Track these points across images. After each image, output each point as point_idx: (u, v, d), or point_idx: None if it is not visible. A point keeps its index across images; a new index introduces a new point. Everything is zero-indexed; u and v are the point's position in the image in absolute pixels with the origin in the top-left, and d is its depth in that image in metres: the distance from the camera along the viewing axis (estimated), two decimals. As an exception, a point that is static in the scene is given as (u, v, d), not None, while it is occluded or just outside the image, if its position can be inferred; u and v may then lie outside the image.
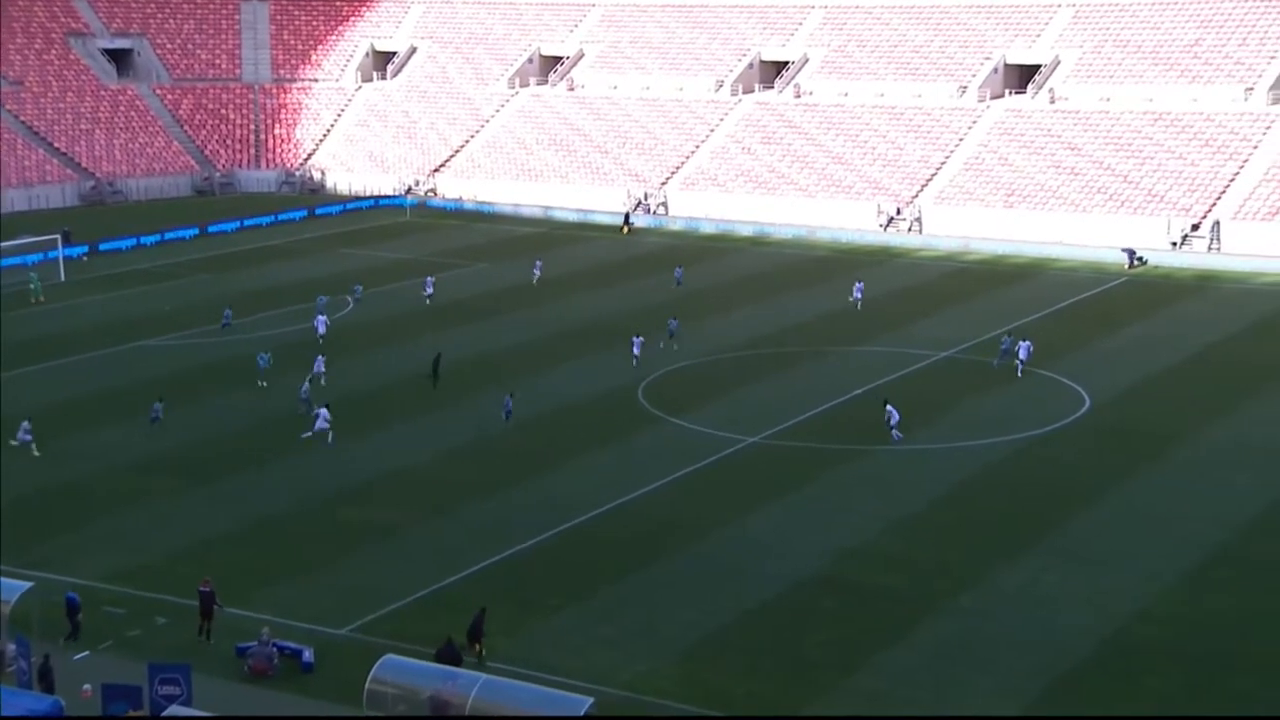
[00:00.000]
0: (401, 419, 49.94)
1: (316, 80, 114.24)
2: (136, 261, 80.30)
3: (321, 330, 60.10)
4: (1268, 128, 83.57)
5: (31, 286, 70.35)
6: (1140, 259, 76.86)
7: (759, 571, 36.99)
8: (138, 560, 38.08)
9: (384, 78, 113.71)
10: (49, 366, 57.82)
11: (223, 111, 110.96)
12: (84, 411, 51.04)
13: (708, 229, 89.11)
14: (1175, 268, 76.42)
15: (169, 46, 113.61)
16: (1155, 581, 36.04)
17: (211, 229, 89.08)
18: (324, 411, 47.31)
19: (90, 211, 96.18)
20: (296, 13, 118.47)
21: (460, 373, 55.14)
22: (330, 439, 46.90)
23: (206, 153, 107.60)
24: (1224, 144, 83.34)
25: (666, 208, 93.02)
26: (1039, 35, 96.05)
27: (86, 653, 32.71)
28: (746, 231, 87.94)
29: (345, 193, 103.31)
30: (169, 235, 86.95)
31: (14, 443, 46.12)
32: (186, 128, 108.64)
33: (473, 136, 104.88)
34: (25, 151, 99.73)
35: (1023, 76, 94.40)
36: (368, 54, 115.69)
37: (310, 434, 47.21)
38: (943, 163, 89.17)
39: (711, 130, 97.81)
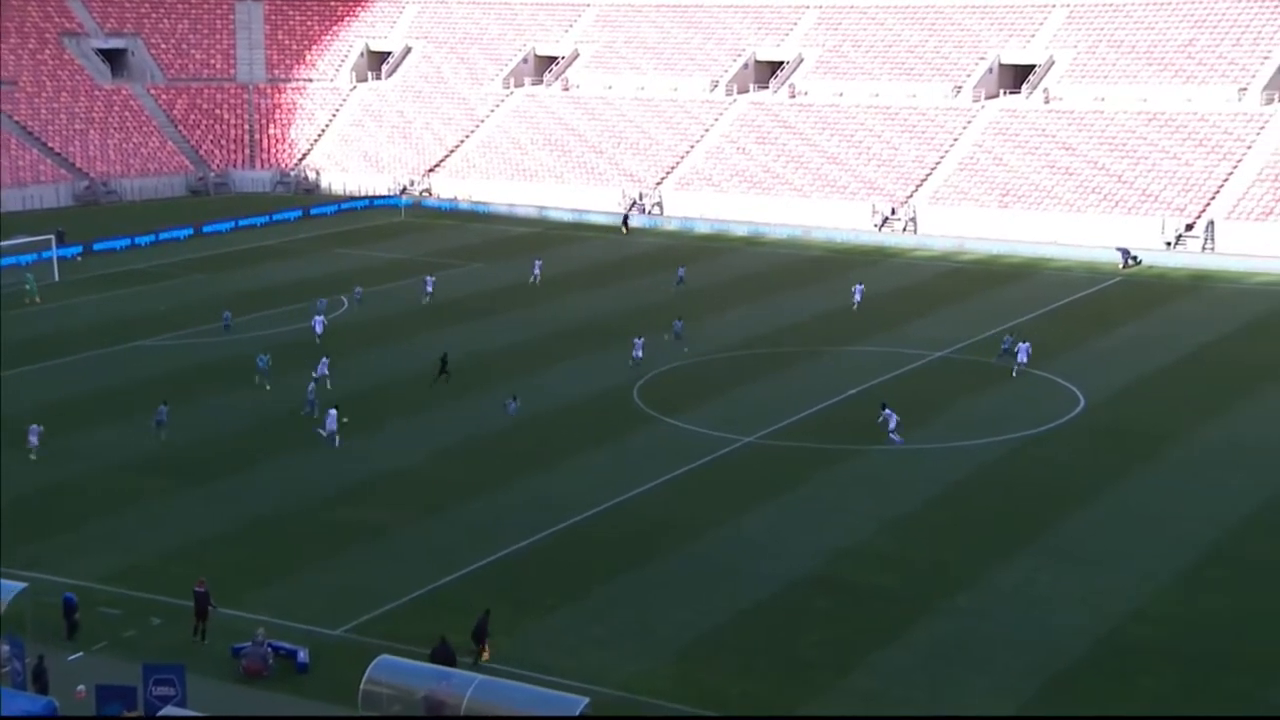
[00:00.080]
0: (397, 419, 49.89)
1: (311, 80, 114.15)
2: (131, 262, 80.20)
3: (319, 331, 59.98)
4: (1261, 128, 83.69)
5: (27, 287, 70.24)
6: (1135, 258, 76.94)
7: (754, 571, 36.99)
8: (132, 561, 38.03)
9: (379, 78, 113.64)
10: (44, 367, 57.74)
11: (217, 111, 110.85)
12: (79, 412, 50.96)
13: (703, 229, 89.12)
14: (1169, 268, 76.47)
15: (163, 46, 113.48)
16: (1150, 581, 36.07)
17: (206, 229, 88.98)
18: (333, 413, 47.34)
19: (84, 212, 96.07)
20: (291, 12, 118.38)
21: (457, 373, 54.99)
22: (336, 441, 46.84)
23: (201, 153, 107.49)
24: (1218, 144, 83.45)
25: (661, 208, 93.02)
26: (1033, 35, 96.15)
27: (81, 654, 32.66)
28: (741, 231, 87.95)
29: (340, 193, 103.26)
30: (163, 235, 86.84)
31: (32, 457, 45.71)
32: (181, 128, 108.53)
33: (468, 136, 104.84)
34: (19, 151, 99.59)
35: (1017, 76, 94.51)
36: (362, 54, 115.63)
37: (324, 432, 47.19)
38: (937, 163, 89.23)
39: (706, 130, 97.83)
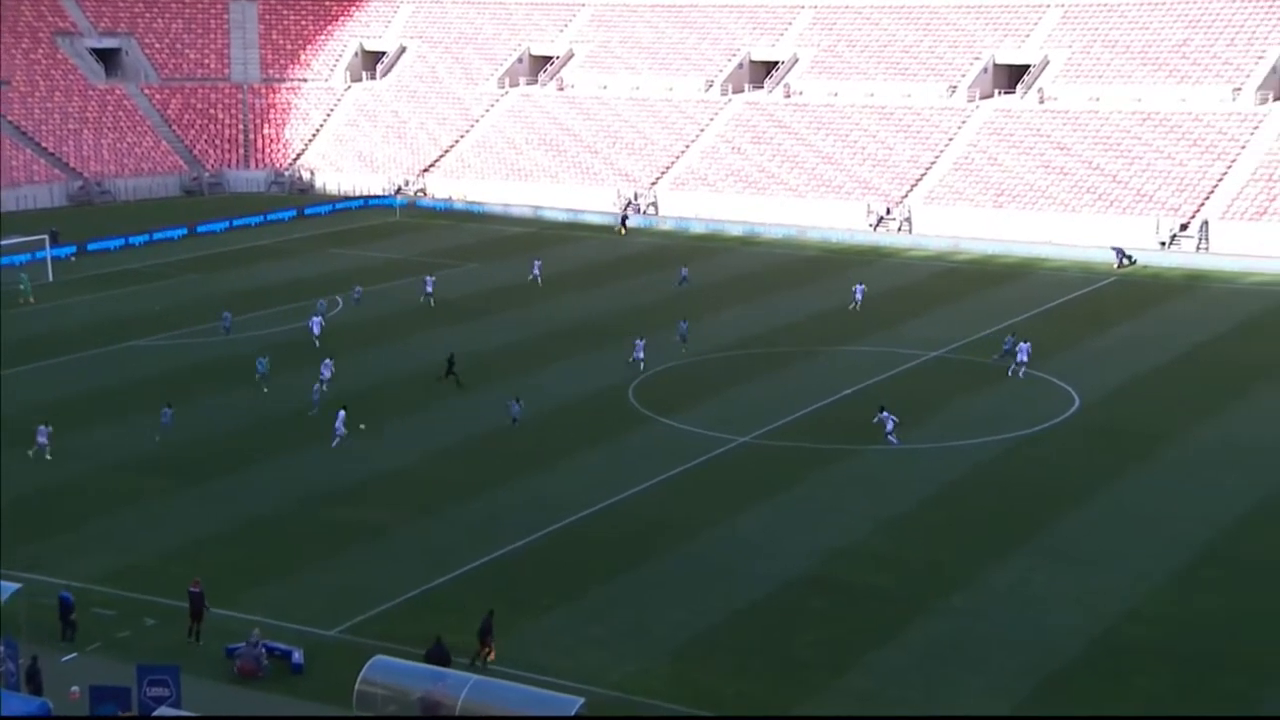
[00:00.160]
0: (394, 419, 49.79)
1: (305, 80, 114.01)
2: (125, 262, 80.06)
3: (317, 332, 59.84)
4: (1256, 127, 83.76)
5: (21, 287, 70.11)
6: (1129, 258, 76.98)
7: (749, 571, 36.98)
8: (127, 561, 37.97)
9: (373, 77, 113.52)
10: (39, 367, 57.63)
11: (211, 111, 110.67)
12: (74, 412, 50.80)
13: (698, 229, 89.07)
14: (1164, 267, 76.50)
15: (157, 46, 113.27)
16: (1144, 581, 36.08)
17: (200, 229, 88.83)
18: (342, 414, 47.32)
19: (78, 211, 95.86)
20: (285, 12, 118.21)
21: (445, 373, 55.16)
22: (335, 441, 46.79)
23: (195, 153, 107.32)
24: (1212, 144, 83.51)
25: (656, 208, 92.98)
26: (1028, 35, 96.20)
27: (75, 654, 32.60)
28: (736, 231, 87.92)
29: (334, 193, 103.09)
30: (157, 235, 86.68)
31: (47, 456, 45.51)
32: (175, 127, 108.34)
33: (462, 136, 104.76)
34: (13, 151, 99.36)
35: (1012, 76, 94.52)
36: (357, 54, 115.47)
37: (338, 439, 47.09)
38: (932, 163, 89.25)
39: (701, 130, 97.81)
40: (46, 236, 78.50)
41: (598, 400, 52.33)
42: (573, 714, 27.97)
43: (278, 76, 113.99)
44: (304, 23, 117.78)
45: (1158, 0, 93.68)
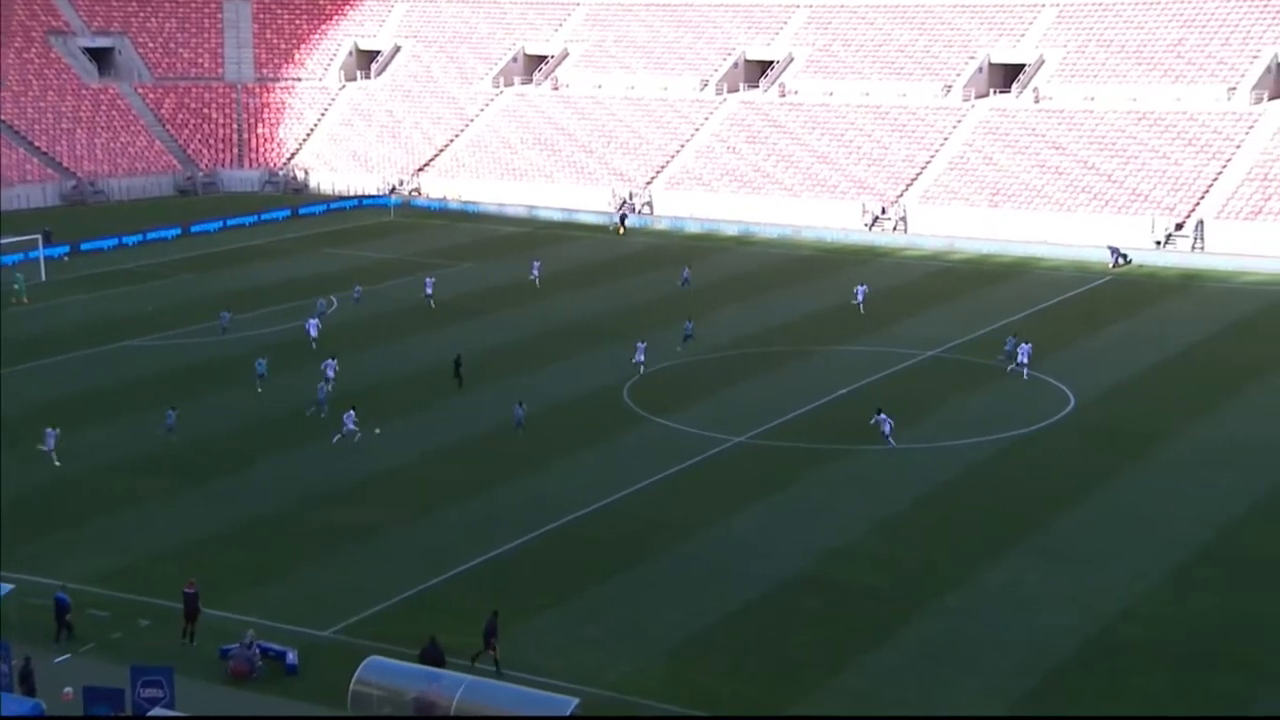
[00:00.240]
0: (390, 419, 49.62)
1: (300, 79, 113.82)
2: (118, 261, 79.90)
3: (314, 334, 59.64)
4: (1251, 127, 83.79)
5: (16, 287, 69.94)
6: (1125, 257, 76.98)
7: (744, 571, 36.93)
8: (121, 562, 37.86)
9: (368, 77, 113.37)
10: (33, 367, 57.48)
11: (205, 111, 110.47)
12: (68, 412, 50.61)
13: (693, 228, 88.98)
14: (1159, 267, 76.50)
15: (151, 45, 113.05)
16: (1140, 581, 36.05)
17: (194, 229, 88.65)
18: (351, 414, 47.19)
19: (71, 211, 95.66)
20: (279, 11, 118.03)
21: (445, 373, 54.95)
22: (335, 439, 46.63)
23: (189, 152, 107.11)
24: (1207, 143, 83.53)
25: (651, 207, 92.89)
26: (1023, 35, 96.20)
27: (68, 655, 32.48)
28: (731, 231, 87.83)
29: (329, 192, 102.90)
30: (151, 235, 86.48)
31: (56, 462, 45.30)
32: (169, 127, 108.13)
33: (457, 136, 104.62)
34: (5, 151, 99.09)
35: (1007, 76, 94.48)
36: (351, 53, 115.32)
37: (340, 436, 47.03)
38: (927, 162, 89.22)
39: (696, 130, 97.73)
40: (40, 236, 78.32)
41: (593, 400, 52.24)
42: (568, 714, 27.93)
43: (272, 76, 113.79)
44: (298, 22, 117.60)
45: (1152, 0, 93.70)
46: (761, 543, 38.78)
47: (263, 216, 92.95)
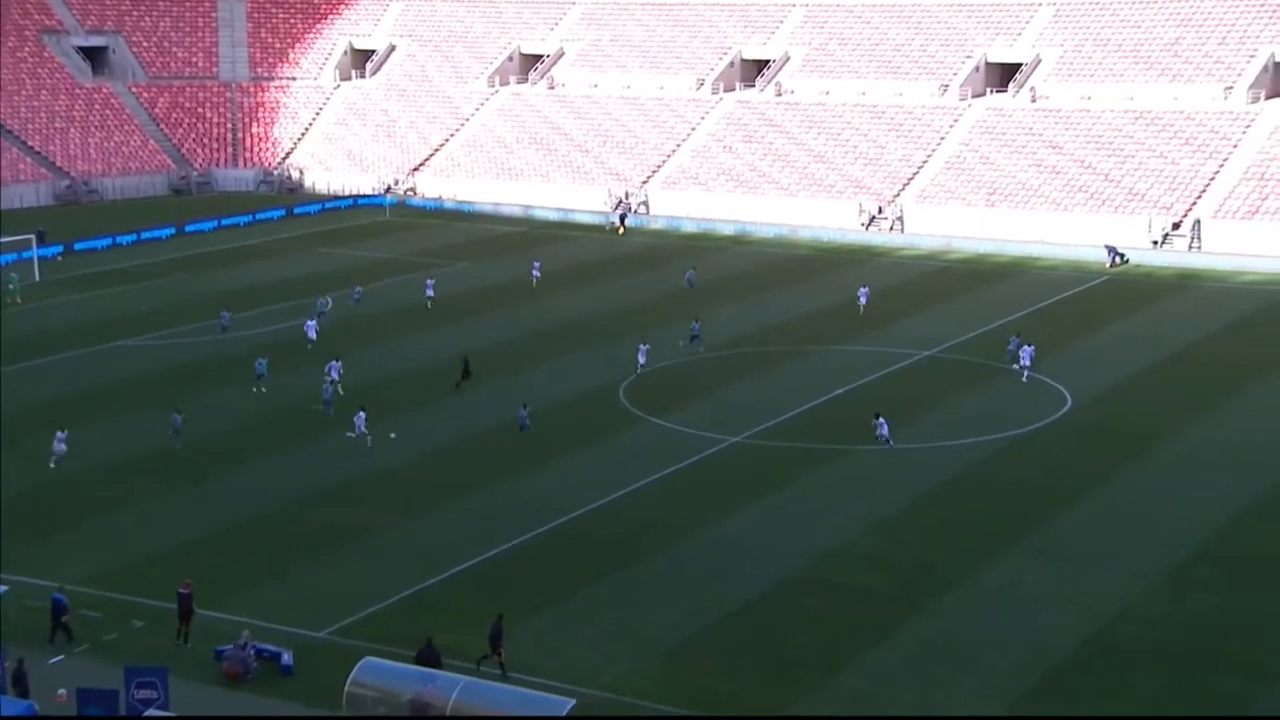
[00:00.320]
0: (386, 419, 49.26)
1: (294, 78, 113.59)
2: (112, 261, 79.66)
3: (312, 335, 59.38)
4: (1248, 126, 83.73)
5: (10, 287, 69.69)
6: (1122, 256, 76.88)
7: (741, 572, 36.81)
8: (114, 562, 37.70)
9: (363, 76, 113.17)
10: (26, 367, 57.23)
11: (199, 110, 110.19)
12: (61, 412, 50.30)
13: (689, 228, 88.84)
14: (1156, 266, 76.42)
15: (145, 44, 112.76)
16: (1138, 581, 35.97)
17: (188, 228, 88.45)
18: (362, 415, 47.05)
19: (65, 211, 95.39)
20: (274, 10, 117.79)
21: (446, 372, 54.88)
22: (347, 438, 46.65)
23: (183, 152, 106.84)
24: (1204, 142, 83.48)
25: (648, 207, 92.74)
26: (1020, 34, 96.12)
27: (62, 657, 32.34)
28: (728, 230, 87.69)
29: (324, 192, 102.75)
30: (145, 235, 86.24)
31: (57, 458, 45.14)
32: (163, 126, 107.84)
33: (452, 135, 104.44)
34: None
35: (1004, 75, 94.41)
36: (346, 52, 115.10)
37: (353, 435, 46.86)
38: (924, 161, 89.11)
39: (692, 129, 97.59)
40: (33, 236, 78.03)
41: (589, 400, 52.10)
42: (564, 715, 27.83)
43: (266, 75, 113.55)
44: (293, 21, 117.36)
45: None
46: (758, 543, 38.65)
47: (257, 216, 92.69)
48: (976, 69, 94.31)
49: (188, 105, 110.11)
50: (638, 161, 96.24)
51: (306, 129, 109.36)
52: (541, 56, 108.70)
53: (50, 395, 53.09)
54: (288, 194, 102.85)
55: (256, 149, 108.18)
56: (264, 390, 52.75)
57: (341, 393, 50.99)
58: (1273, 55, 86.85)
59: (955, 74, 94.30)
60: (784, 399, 51.60)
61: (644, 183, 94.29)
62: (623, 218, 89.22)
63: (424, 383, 54.16)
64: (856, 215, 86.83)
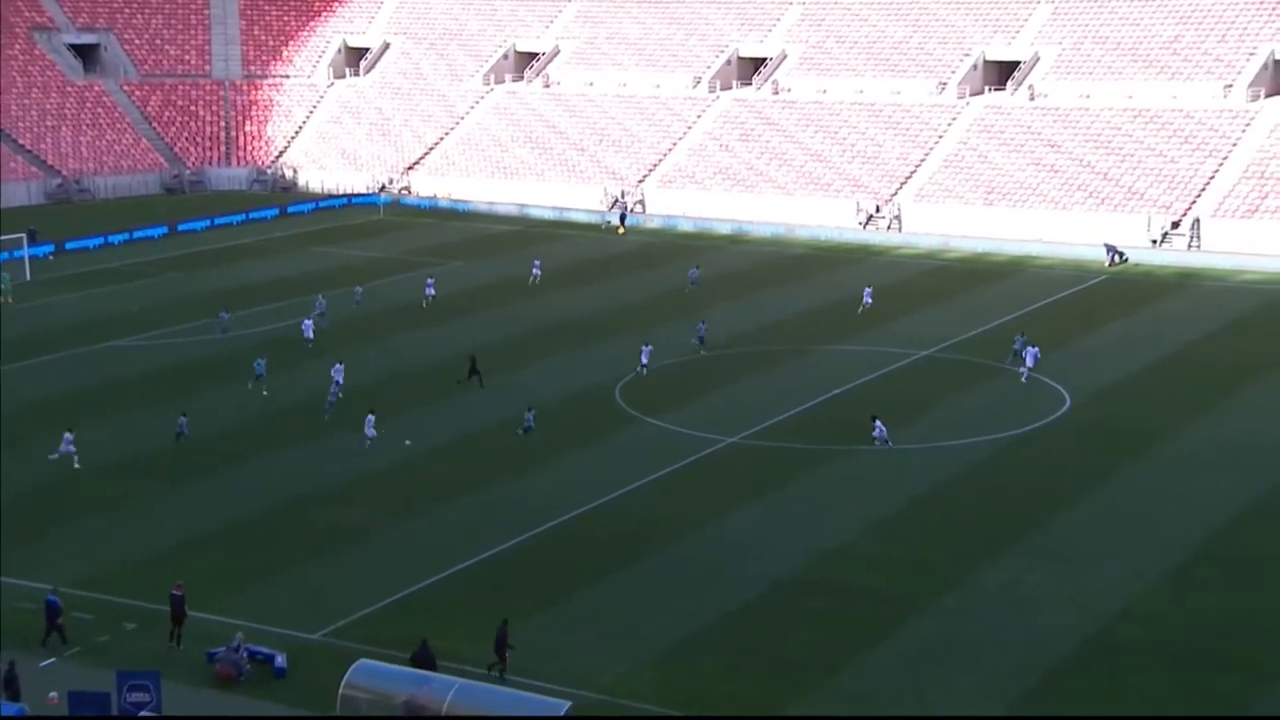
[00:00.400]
0: (381, 419, 48.78)
1: (288, 76, 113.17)
2: (104, 260, 79.28)
3: (309, 335, 58.95)
4: (1247, 124, 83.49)
5: (2, 287, 69.28)
6: (1121, 255, 76.63)
7: (739, 572, 36.62)
8: (107, 564, 37.43)
9: (357, 74, 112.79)
10: (17, 368, 56.83)
11: (192, 108, 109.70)
12: (53, 413, 50.09)
13: (685, 227, 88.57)
14: (1155, 265, 76.19)
15: (137, 42, 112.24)
16: (1138, 580, 35.85)
17: (181, 227, 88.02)
18: (371, 418, 46.78)
19: (56, 210, 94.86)
20: (267, 7, 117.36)
21: (440, 371, 54.64)
22: (365, 443, 46.28)
23: (176, 150, 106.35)
24: (1204, 141, 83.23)
25: (644, 206, 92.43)
26: (1018, 32, 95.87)
27: (53, 659, 32.09)
28: (724, 229, 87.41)
29: (318, 191, 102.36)
30: (137, 234, 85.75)
31: (63, 458, 44.77)
32: (155, 124, 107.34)
33: (447, 134, 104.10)
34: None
35: (1002, 73, 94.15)
36: (340, 50, 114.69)
37: (368, 440, 46.52)
38: (922, 160, 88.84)
39: (689, 127, 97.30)
40: (24, 235, 77.60)
41: (584, 400, 51.87)
42: (560, 717, 27.67)
43: (259, 73, 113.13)
44: (286, 18, 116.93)
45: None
46: (756, 543, 38.48)
47: (251, 215, 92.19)
48: (975, 67, 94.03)
49: (180, 103, 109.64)
50: (634, 160, 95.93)
51: (300, 127, 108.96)
52: (537, 54, 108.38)
53: (42, 396, 52.67)
54: (281, 193, 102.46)
55: (250, 147, 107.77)
56: (265, 392, 52.32)
57: (340, 395, 50.67)
58: (1272, 53, 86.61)
59: (953, 72, 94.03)
60: (782, 399, 51.34)
61: (640, 181, 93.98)
62: (622, 217, 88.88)
63: (420, 382, 53.86)
64: (854, 214, 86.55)
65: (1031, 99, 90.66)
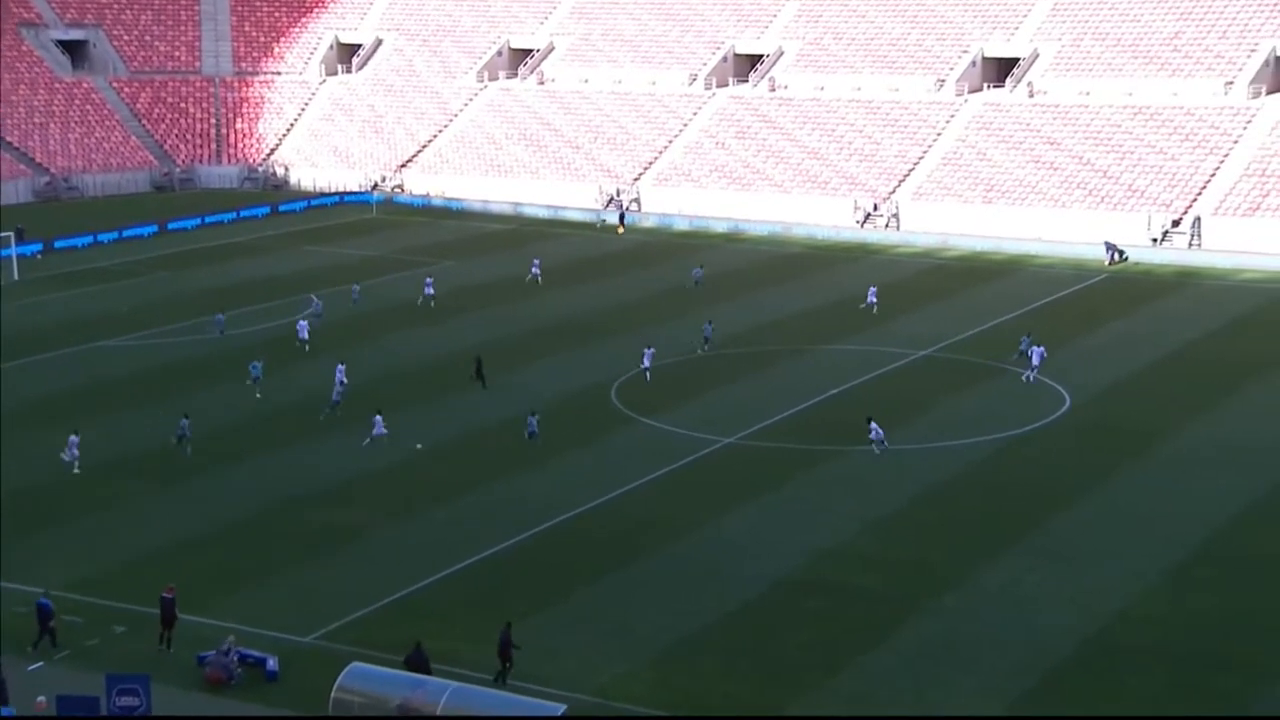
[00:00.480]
0: (375, 419, 48.50)
1: (279, 73, 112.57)
2: (93, 259, 78.77)
3: (304, 336, 58.44)
4: (1248, 122, 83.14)
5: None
6: (1122, 253, 76.27)
7: (737, 573, 36.42)
8: (96, 566, 37.11)
9: (349, 71, 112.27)
10: (8, 368, 56.23)
11: (182, 105, 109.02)
12: (42, 414, 49.76)
13: (681, 225, 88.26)
14: (1156, 264, 75.93)
15: (126, 38, 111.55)
16: (1138, 580, 35.78)
17: (171, 226, 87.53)
18: (379, 419, 46.39)
19: (45, 208, 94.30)
20: (258, 3, 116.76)
21: (434, 371, 54.35)
22: (367, 441, 45.86)
23: (166, 148, 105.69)
24: (1204, 138, 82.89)
25: (639, 204, 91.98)
26: (1017, 28, 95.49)
27: (41, 663, 31.79)
28: (721, 228, 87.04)
29: (309, 189, 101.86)
30: (127, 232, 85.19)
31: (75, 470, 44.29)
32: (145, 122, 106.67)
33: (440, 131, 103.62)
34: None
35: (1001, 70, 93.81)
36: (332, 46, 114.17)
37: (370, 440, 46.17)
38: (920, 158, 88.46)
39: (685, 125, 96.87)
40: (12, 234, 77.07)
41: (583, 400, 51.57)
42: (556, 718, 27.48)
43: (250, 69, 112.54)
44: (277, 14, 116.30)
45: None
46: (754, 544, 38.28)
47: (242, 214, 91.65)
48: (973, 64, 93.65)
49: (170, 100, 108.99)
50: (629, 158, 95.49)
51: (292, 125, 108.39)
52: (531, 51, 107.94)
53: (32, 396, 52.17)
54: (272, 191, 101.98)
55: (241, 145, 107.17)
56: (259, 395, 51.80)
57: (343, 394, 50.31)
58: (1274, 49, 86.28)
59: (952, 69, 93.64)
60: (779, 399, 51.07)
61: (635, 179, 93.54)
62: (622, 217, 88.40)
63: (415, 382, 53.51)
64: (851, 212, 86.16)
65: (1031, 96, 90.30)
